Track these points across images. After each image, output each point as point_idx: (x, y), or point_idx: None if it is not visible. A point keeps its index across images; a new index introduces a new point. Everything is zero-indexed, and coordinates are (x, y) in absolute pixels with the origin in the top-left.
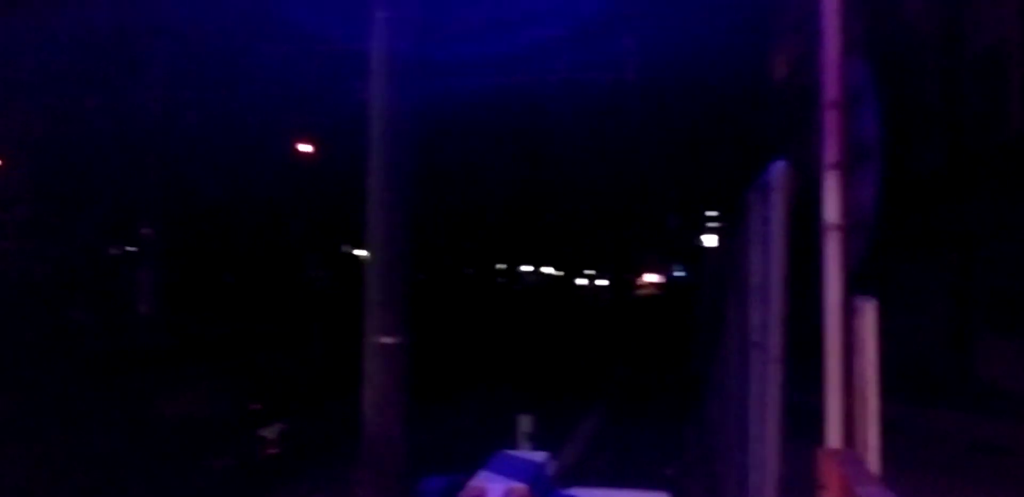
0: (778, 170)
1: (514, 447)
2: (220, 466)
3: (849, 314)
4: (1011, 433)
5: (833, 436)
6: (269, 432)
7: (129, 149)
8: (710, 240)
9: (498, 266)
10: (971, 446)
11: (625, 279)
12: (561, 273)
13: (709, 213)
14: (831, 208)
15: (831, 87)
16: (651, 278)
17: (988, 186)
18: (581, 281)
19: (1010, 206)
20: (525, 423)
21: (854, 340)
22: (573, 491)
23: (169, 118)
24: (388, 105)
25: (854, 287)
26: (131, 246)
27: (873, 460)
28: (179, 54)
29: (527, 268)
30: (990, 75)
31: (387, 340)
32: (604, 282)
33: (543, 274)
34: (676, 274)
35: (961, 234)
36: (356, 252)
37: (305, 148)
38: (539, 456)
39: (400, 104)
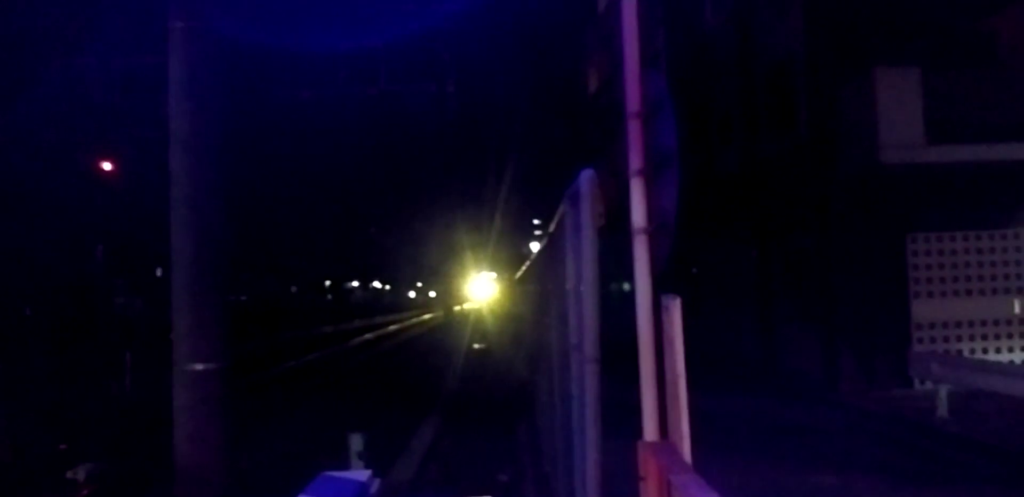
0: (585, 178)
1: (346, 467)
2: None
3: (658, 312)
4: (810, 413)
5: (650, 429)
6: (77, 473)
7: None
8: (535, 247)
9: (325, 283)
10: (777, 428)
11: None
12: (388, 287)
13: (535, 221)
14: (637, 213)
15: (632, 99)
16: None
17: (778, 186)
18: (411, 293)
19: (797, 204)
20: (356, 442)
21: (663, 337)
22: None
23: None
24: (189, 119)
25: (660, 286)
26: None
27: (686, 449)
28: None
29: (354, 283)
30: (780, 85)
31: (199, 367)
32: (433, 294)
33: (372, 289)
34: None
35: (758, 231)
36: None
37: (107, 165)
38: (362, 475)
39: (202, 117)
